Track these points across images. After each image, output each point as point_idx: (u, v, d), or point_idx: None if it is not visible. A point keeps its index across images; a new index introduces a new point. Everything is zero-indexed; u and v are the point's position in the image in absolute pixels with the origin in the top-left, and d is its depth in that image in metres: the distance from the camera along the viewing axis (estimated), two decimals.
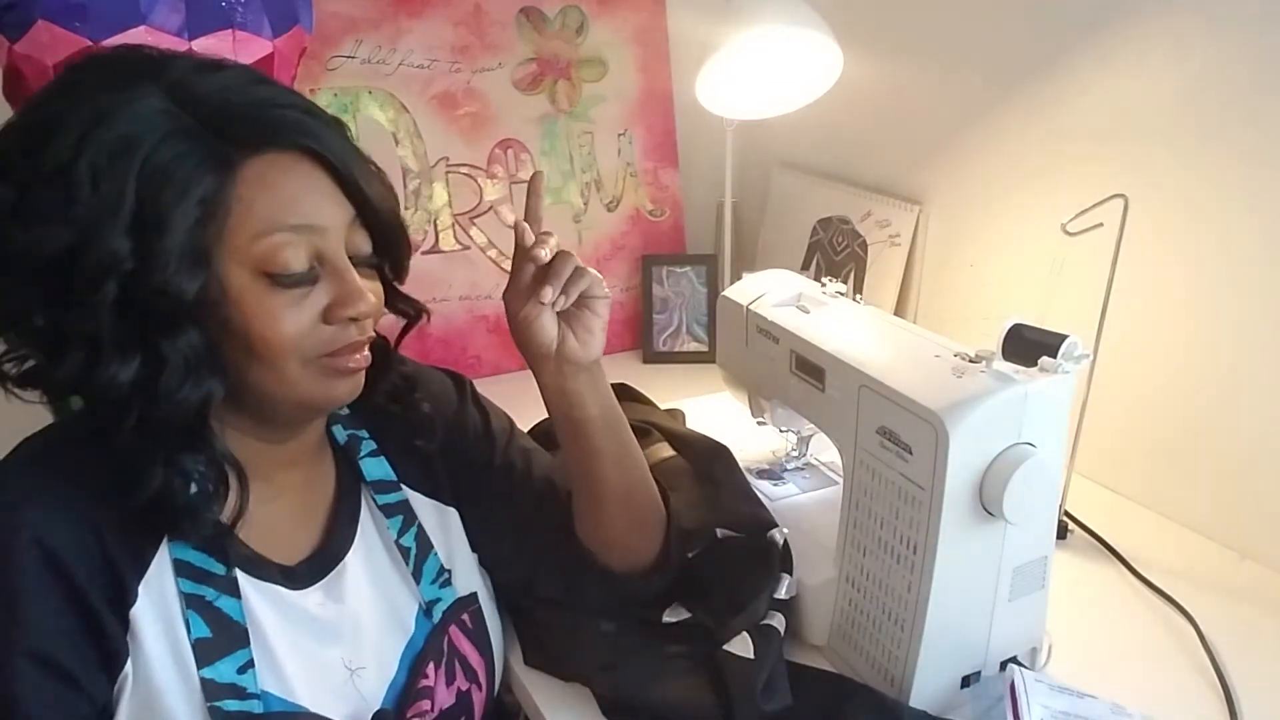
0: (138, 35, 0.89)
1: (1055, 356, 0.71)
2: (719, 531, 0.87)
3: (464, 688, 0.77)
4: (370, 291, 0.67)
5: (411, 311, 0.79)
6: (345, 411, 0.79)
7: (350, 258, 0.66)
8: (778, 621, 0.80)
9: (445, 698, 0.76)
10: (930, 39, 1.27)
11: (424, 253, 1.43)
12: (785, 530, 0.86)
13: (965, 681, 0.77)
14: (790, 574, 0.83)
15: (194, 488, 0.63)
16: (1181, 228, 0.99)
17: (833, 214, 1.45)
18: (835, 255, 1.45)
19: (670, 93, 1.58)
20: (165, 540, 0.65)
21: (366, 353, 0.69)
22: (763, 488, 0.99)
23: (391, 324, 0.78)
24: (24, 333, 0.61)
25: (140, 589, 0.63)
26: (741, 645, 0.77)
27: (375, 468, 0.79)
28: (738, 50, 1.20)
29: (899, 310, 1.35)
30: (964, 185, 1.25)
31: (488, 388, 1.44)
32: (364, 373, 0.70)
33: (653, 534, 0.82)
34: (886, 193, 1.37)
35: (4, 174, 0.59)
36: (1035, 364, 0.71)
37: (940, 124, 1.27)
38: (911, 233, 1.32)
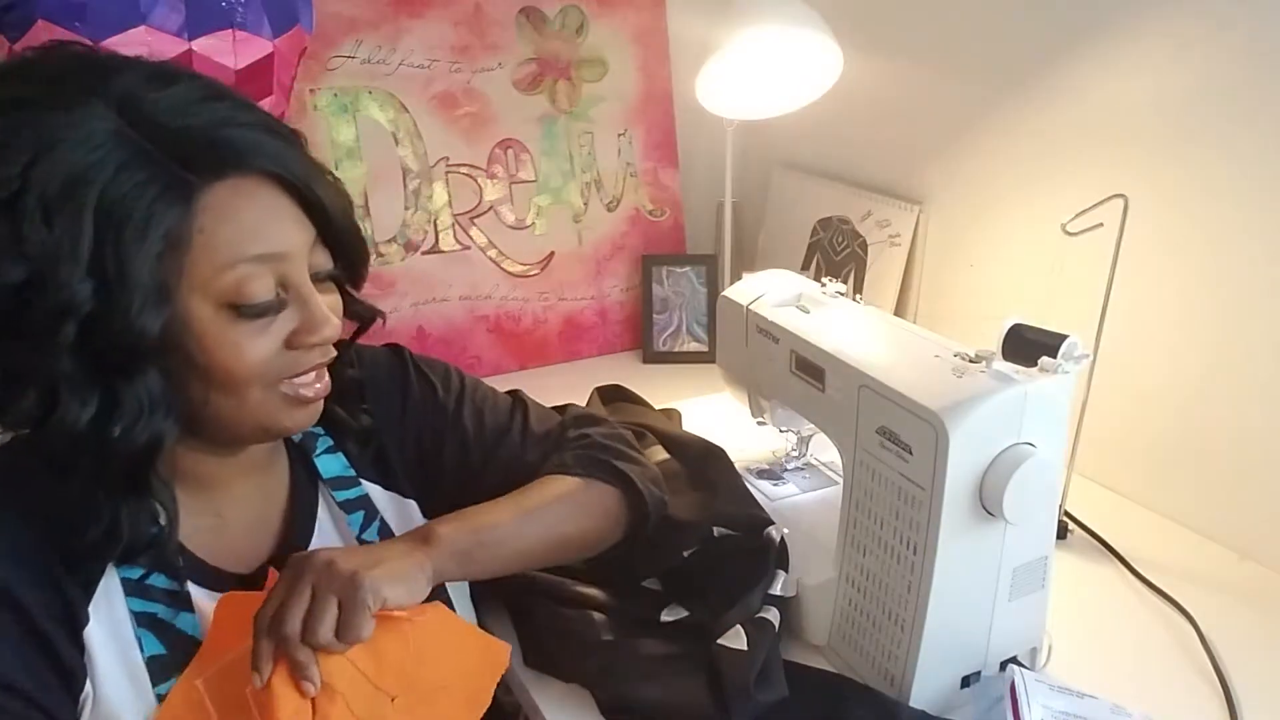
0: (138, 35, 0.89)
1: (1055, 356, 0.71)
2: (715, 530, 0.87)
3: None
4: (331, 308, 0.66)
5: (367, 315, 0.76)
6: None
7: (311, 275, 0.65)
8: (773, 615, 0.80)
9: None
10: (930, 39, 1.27)
11: (424, 253, 1.43)
12: (784, 529, 0.86)
13: (965, 681, 0.77)
14: (786, 571, 0.83)
15: (139, 522, 0.62)
16: (1181, 228, 0.99)
17: (833, 214, 1.45)
18: (835, 255, 1.45)
19: (670, 93, 1.58)
20: (113, 562, 0.64)
21: (327, 380, 0.68)
22: (763, 488, 0.99)
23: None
24: None
25: (90, 610, 0.62)
26: (735, 638, 0.77)
27: (332, 464, 0.77)
28: (738, 50, 1.20)
29: (899, 310, 1.35)
30: (964, 185, 1.25)
31: None
32: (323, 398, 0.68)
33: (611, 531, 0.81)
34: (886, 193, 1.37)
35: None
36: (1035, 364, 0.71)
37: (940, 124, 1.27)
38: (911, 233, 1.32)
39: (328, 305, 0.66)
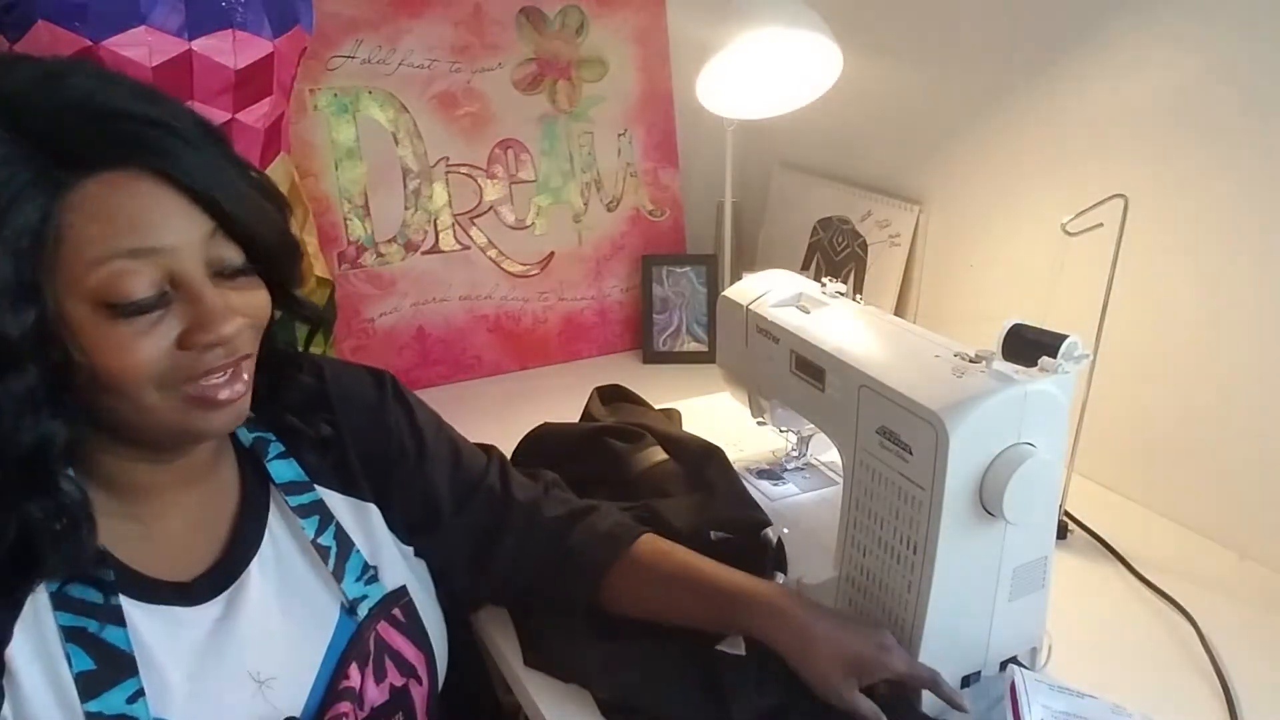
0: (138, 35, 0.89)
1: (1055, 356, 0.71)
2: (712, 534, 0.87)
3: (399, 683, 0.75)
4: (246, 305, 0.63)
5: (312, 315, 0.74)
6: (250, 414, 0.70)
7: (219, 271, 0.62)
8: None
9: (376, 695, 0.73)
10: (930, 39, 1.27)
11: (424, 253, 1.44)
12: (784, 530, 0.86)
13: (965, 681, 0.77)
14: (784, 572, 0.83)
15: (53, 527, 0.59)
16: (1181, 228, 0.99)
17: (833, 214, 1.45)
18: (835, 255, 1.45)
19: (670, 93, 1.58)
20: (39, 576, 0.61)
21: (245, 380, 0.64)
22: (763, 488, 0.99)
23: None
24: None
25: (16, 628, 0.60)
26: (734, 644, 0.77)
27: (284, 469, 0.74)
28: (738, 50, 1.20)
29: (899, 310, 1.35)
30: (964, 185, 1.25)
31: (487, 388, 1.46)
32: (246, 398, 0.65)
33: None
34: (886, 193, 1.37)
35: None
36: (1035, 364, 0.71)
37: (940, 124, 1.27)
38: (911, 233, 1.32)
39: (244, 302, 0.63)
